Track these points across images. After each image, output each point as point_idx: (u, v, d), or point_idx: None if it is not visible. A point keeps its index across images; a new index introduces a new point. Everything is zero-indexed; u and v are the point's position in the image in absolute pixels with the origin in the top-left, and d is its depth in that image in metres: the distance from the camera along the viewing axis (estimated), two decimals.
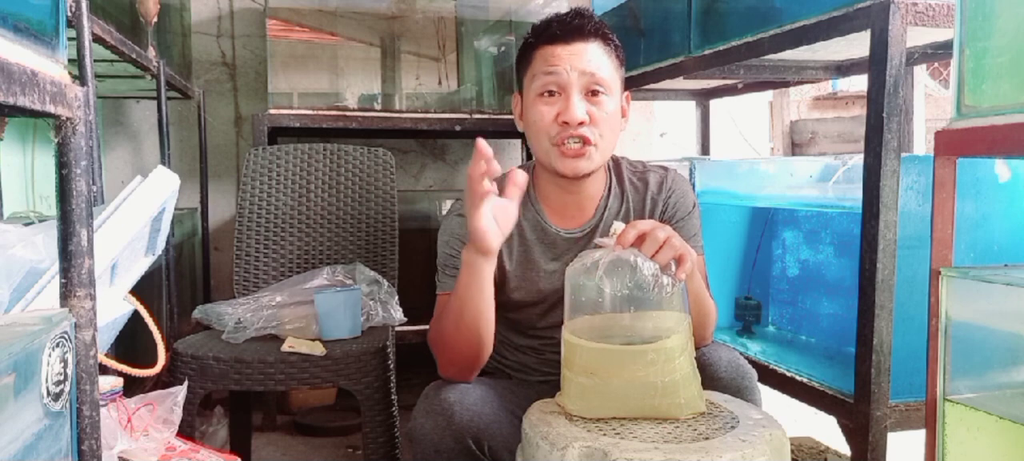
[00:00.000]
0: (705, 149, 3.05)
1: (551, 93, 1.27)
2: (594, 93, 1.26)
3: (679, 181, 1.40)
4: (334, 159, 2.03)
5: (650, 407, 1.02)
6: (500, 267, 1.36)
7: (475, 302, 1.18)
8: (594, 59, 1.26)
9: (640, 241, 1.06)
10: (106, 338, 1.09)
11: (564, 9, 1.35)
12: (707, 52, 1.98)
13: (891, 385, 1.44)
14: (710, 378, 1.19)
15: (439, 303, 1.36)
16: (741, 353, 1.52)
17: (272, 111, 2.34)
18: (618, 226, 1.09)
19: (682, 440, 0.96)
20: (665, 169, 1.42)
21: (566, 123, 1.25)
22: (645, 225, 1.08)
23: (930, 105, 4.40)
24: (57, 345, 0.61)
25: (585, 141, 1.26)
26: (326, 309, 1.66)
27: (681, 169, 2.19)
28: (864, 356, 1.44)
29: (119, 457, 1.03)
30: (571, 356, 1.06)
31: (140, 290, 1.15)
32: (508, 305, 1.39)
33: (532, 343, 1.41)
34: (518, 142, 3.09)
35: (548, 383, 1.36)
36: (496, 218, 1.12)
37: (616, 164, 1.42)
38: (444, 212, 1.61)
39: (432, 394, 1.19)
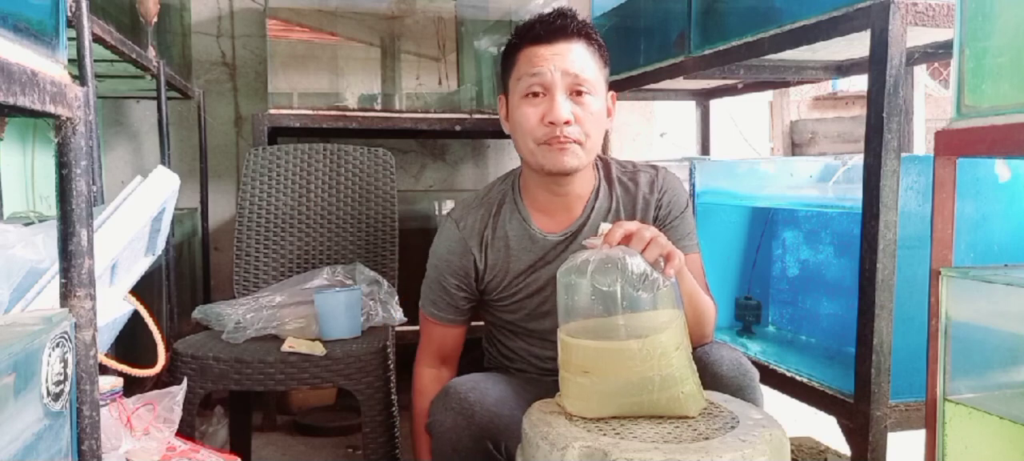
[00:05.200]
0: (705, 149, 3.05)
1: (536, 94, 1.27)
2: (578, 93, 1.26)
3: (671, 180, 1.39)
4: (334, 159, 2.03)
5: (649, 403, 1.02)
6: (493, 272, 1.38)
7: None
8: (578, 59, 1.26)
9: (627, 240, 1.07)
10: (106, 338, 1.09)
11: (546, 10, 1.35)
12: (707, 52, 1.98)
13: (891, 385, 1.44)
14: (712, 376, 1.19)
15: (421, 321, 1.43)
16: (743, 353, 1.52)
17: (272, 111, 2.33)
18: (605, 227, 1.09)
19: (682, 440, 0.96)
20: (656, 168, 1.41)
21: (552, 123, 1.25)
22: (631, 225, 1.08)
23: (930, 105, 4.40)
24: (57, 345, 0.61)
25: (570, 140, 1.26)
26: (326, 309, 1.66)
27: (681, 169, 2.19)
28: (864, 356, 1.44)
29: (126, 457, 1.03)
30: (567, 356, 1.06)
31: (140, 290, 1.15)
32: (500, 310, 1.39)
33: (531, 348, 1.41)
34: None
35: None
36: None
37: (605, 164, 1.42)
38: (444, 212, 1.61)
39: (452, 392, 1.20)
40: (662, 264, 1.06)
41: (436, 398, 1.21)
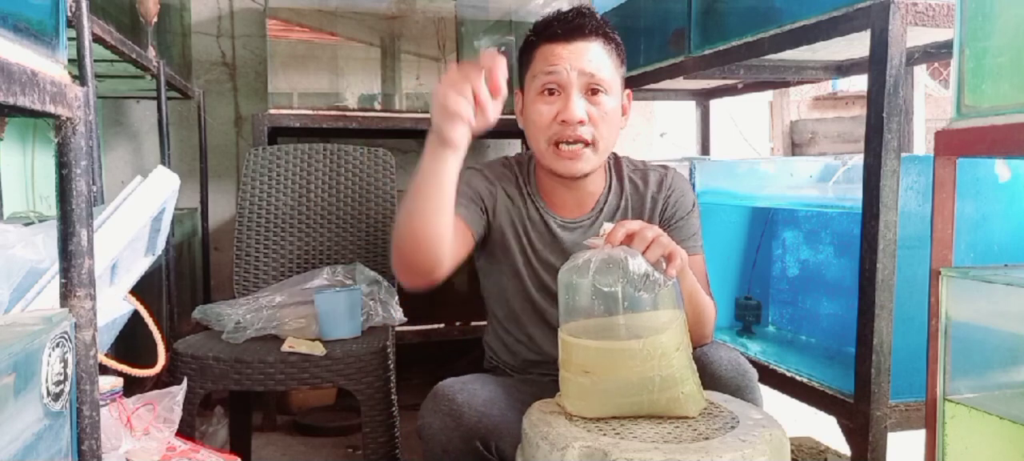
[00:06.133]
0: (705, 149, 3.05)
1: (551, 92, 1.28)
2: (594, 92, 1.27)
3: (679, 181, 1.40)
4: (334, 159, 2.03)
5: (649, 403, 1.02)
6: (507, 253, 1.38)
7: (431, 194, 1.11)
8: (594, 58, 1.27)
9: (629, 239, 1.07)
10: (106, 338, 1.09)
11: (565, 8, 1.35)
12: (707, 52, 1.98)
13: (891, 385, 1.44)
14: (711, 377, 1.19)
15: None
16: (741, 353, 1.50)
17: (272, 111, 2.33)
18: (607, 227, 1.09)
19: (682, 440, 0.96)
20: (665, 169, 1.42)
21: (565, 122, 1.25)
22: (634, 224, 1.08)
23: (930, 105, 4.40)
24: (57, 345, 0.61)
25: (582, 142, 1.27)
26: (326, 309, 1.66)
27: (681, 169, 2.19)
28: (864, 356, 1.44)
29: (126, 457, 1.03)
30: (567, 356, 1.06)
31: (140, 290, 1.15)
32: (508, 294, 1.39)
33: (532, 341, 1.41)
34: (518, 142, 3.09)
35: (555, 381, 1.37)
36: (468, 112, 1.02)
37: (617, 162, 1.43)
38: None
39: (440, 394, 1.19)
40: (664, 264, 1.06)
41: (425, 400, 1.21)
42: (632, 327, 1.02)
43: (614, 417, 1.05)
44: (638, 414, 1.04)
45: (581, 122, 1.25)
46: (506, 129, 1.67)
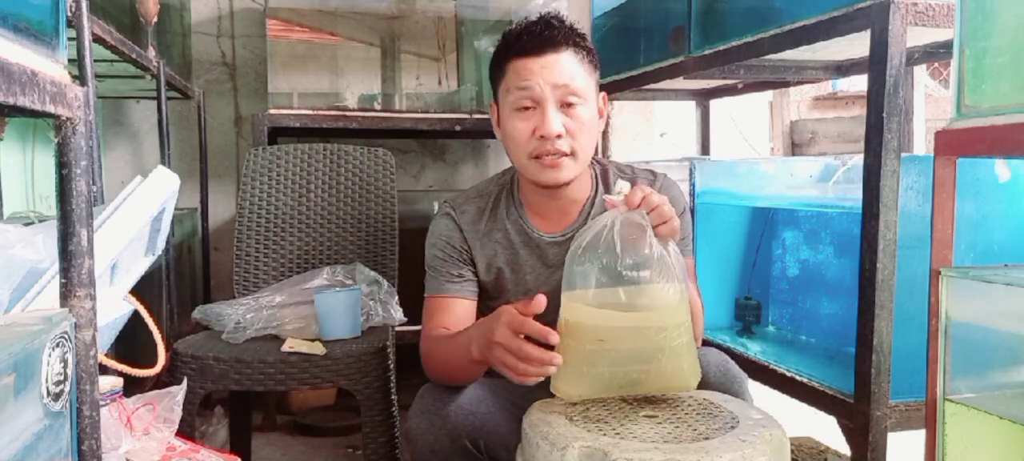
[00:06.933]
0: (705, 149, 3.05)
1: (526, 107, 1.26)
2: (569, 104, 1.26)
3: (668, 185, 1.40)
4: (334, 159, 2.03)
5: (654, 372, 1.03)
6: (498, 279, 1.38)
7: (467, 373, 1.21)
8: (567, 70, 1.25)
9: (645, 203, 1.08)
10: (106, 338, 1.09)
11: (554, 9, 1.34)
12: (707, 52, 1.98)
13: (891, 385, 1.44)
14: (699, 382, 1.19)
15: (428, 306, 1.37)
16: (739, 353, 1.51)
17: (272, 111, 2.33)
18: (624, 186, 1.09)
19: (682, 440, 0.96)
20: (654, 173, 1.41)
21: (544, 137, 1.25)
22: (648, 188, 1.09)
23: (930, 105, 4.40)
24: (57, 345, 0.61)
25: (562, 154, 1.26)
26: (326, 309, 1.66)
27: (681, 169, 2.19)
28: (864, 356, 1.44)
29: (126, 457, 1.03)
30: (575, 324, 1.06)
31: (140, 290, 1.15)
32: (494, 307, 1.39)
33: None
34: None
35: (545, 381, 1.36)
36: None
37: (603, 169, 1.42)
38: None
39: (427, 394, 1.20)
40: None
41: (413, 404, 1.21)
42: (643, 297, 1.03)
43: (607, 397, 1.07)
44: (640, 385, 1.05)
45: (559, 136, 1.25)
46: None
